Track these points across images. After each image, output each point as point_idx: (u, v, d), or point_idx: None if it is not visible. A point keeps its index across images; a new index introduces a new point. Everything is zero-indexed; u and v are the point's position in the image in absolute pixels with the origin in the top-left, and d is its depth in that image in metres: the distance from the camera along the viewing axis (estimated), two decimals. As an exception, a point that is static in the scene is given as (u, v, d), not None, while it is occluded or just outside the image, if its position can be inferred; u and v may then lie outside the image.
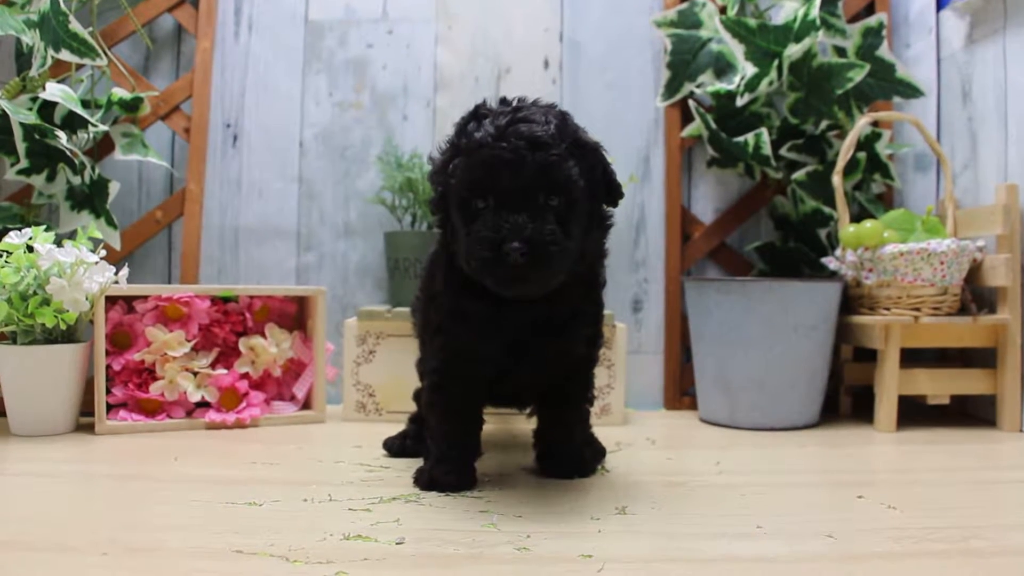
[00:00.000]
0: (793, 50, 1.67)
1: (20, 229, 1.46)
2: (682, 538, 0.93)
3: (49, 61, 1.59)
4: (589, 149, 1.06)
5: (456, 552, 0.87)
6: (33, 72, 1.59)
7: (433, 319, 1.15)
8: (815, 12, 1.63)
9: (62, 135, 1.59)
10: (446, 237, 1.11)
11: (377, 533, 0.93)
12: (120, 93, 1.72)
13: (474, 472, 1.15)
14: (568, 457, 1.21)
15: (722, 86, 1.78)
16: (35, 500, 1.07)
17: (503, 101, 1.07)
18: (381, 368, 1.66)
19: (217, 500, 1.06)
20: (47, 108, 1.63)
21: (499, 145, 0.98)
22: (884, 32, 1.77)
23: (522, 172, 0.98)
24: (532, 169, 0.98)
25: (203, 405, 1.60)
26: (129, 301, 1.60)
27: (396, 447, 1.35)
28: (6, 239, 1.44)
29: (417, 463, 1.20)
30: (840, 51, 1.78)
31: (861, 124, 1.68)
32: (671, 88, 1.86)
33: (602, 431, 1.40)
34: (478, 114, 1.05)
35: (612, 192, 1.09)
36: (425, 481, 1.12)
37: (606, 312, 1.27)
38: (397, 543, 0.89)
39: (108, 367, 1.53)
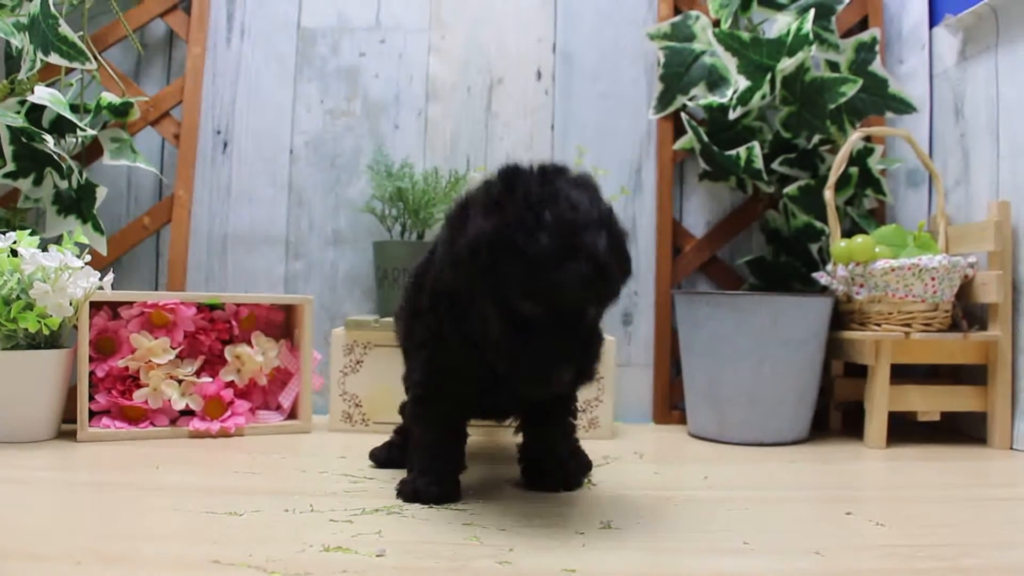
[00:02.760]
0: (786, 64, 1.67)
1: (4, 233, 1.45)
2: (668, 553, 0.92)
3: (38, 64, 1.58)
4: (622, 239, 1.02)
5: (437, 565, 0.85)
6: (22, 75, 1.58)
7: (417, 334, 1.14)
8: (808, 26, 1.63)
9: (50, 139, 1.58)
10: (457, 310, 1.05)
11: (358, 545, 0.91)
12: (109, 98, 1.70)
13: (458, 484, 1.13)
14: (554, 470, 1.19)
15: (715, 99, 1.78)
16: (11, 508, 1.05)
17: (544, 173, 0.99)
18: (368, 378, 1.65)
19: (197, 509, 1.04)
20: (35, 112, 1.62)
21: (566, 264, 0.92)
22: (877, 47, 1.77)
23: (585, 295, 0.95)
24: (594, 292, 0.95)
25: (187, 413, 1.58)
26: (114, 307, 1.58)
27: (383, 457, 1.33)
28: (-10, 243, 1.42)
29: (402, 474, 1.18)
30: (833, 66, 1.78)
31: (853, 139, 1.67)
32: (663, 101, 1.85)
33: (590, 445, 1.38)
34: (528, 201, 0.95)
35: (624, 270, 1.05)
36: (408, 493, 1.10)
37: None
38: (377, 555, 0.88)
39: (92, 373, 1.52)
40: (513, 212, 0.94)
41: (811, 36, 1.63)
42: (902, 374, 1.62)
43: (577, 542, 0.94)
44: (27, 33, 1.56)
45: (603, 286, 0.95)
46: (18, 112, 1.60)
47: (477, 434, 1.45)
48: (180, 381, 1.57)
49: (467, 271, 0.96)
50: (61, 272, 1.43)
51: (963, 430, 1.72)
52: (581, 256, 0.92)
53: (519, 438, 1.23)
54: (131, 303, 1.56)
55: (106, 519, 1.01)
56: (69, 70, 1.69)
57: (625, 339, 1.89)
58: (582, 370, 0.98)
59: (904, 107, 1.77)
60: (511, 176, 0.98)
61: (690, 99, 1.84)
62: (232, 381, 1.60)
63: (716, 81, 1.82)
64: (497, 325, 0.97)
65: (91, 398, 1.51)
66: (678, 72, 1.84)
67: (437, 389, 1.11)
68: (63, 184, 1.65)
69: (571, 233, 0.92)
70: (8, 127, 1.55)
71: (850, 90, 1.69)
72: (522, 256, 0.92)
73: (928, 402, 1.60)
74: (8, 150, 1.57)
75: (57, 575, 0.80)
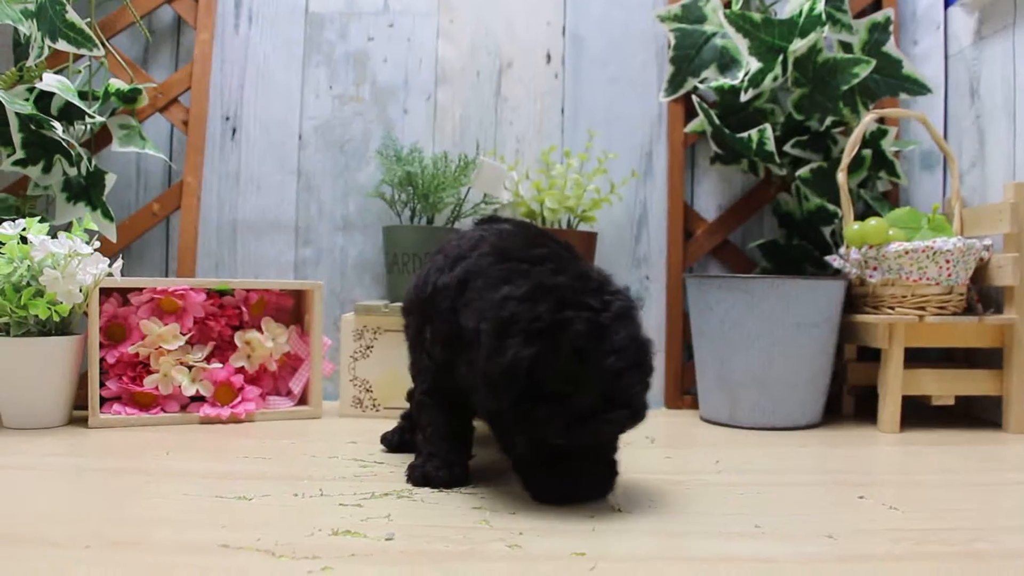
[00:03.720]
0: (798, 45, 1.65)
1: (14, 220, 1.45)
2: (678, 537, 0.91)
3: (46, 51, 1.57)
4: (649, 362, 1.00)
5: (446, 549, 0.85)
6: (30, 62, 1.57)
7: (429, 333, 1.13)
8: (821, 7, 1.61)
9: (58, 126, 1.57)
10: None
11: (367, 528, 0.91)
12: (118, 84, 1.70)
13: (467, 468, 1.13)
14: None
15: (726, 81, 1.76)
16: (22, 493, 1.06)
17: (589, 307, 0.96)
18: (378, 363, 1.65)
19: (207, 494, 1.04)
20: (44, 99, 1.62)
21: (605, 418, 0.93)
22: (891, 28, 1.75)
23: (616, 434, 0.99)
24: (625, 430, 0.98)
25: (198, 399, 1.58)
26: (124, 294, 1.58)
27: (395, 441, 1.33)
28: (-1, 229, 1.43)
29: (412, 459, 1.18)
30: (846, 47, 1.76)
31: (867, 121, 1.65)
32: (674, 83, 1.84)
33: (600, 429, 1.38)
34: (575, 342, 0.93)
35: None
36: (418, 477, 1.10)
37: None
38: (387, 539, 0.87)
39: (102, 360, 1.52)
40: (557, 354, 0.92)
41: (824, 16, 1.61)
42: (916, 358, 1.60)
43: (587, 526, 0.94)
44: (34, 20, 1.55)
45: (635, 424, 0.97)
46: (27, 99, 1.60)
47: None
48: (190, 367, 1.57)
49: (500, 396, 0.95)
50: (71, 259, 1.43)
51: (978, 414, 1.71)
52: (620, 404, 0.93)
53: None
54: (141, 289, 1.56)
55: (116, 504, 1.01)
56: (77, 57, 1.68)
57: (636, 324, 1.87)
58: (600, 491, 1.02)
59: (918, 88, 1.75)
60: (558, 305, 0.95)
61: (701, 81, 1.82)
62: (242, 367, 1.61)
63: (727, 63, 1.80)
64: (523, 447, 0.99)
65: (102, 384, 1.52)
66: (688, 54, 1.82)
67: (447, 380, 1.11)
68: (72, 171, 1.65)
69: (613, 381, 0.93)
70: (17, 114, 1.55)
71: (863, 71, 1.67)
72: (562, 403, 0.92)
73: (942, 386, 1.59)
74: (17, 137, 1.57)
75: (67, 559, 0.80)
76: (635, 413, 0.95)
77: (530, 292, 0.97)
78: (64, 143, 1.59)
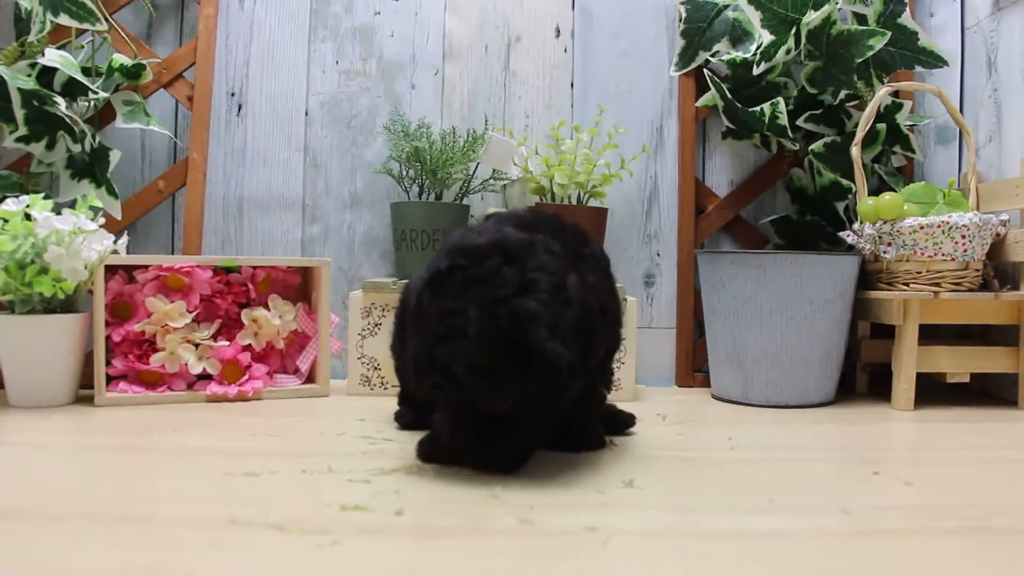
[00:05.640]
0: (811, 17, 1.62)
1: (18, 197, 1.43)
2: (690, 512, 0.90)
3: (48, 26, 1.56)
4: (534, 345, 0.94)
5: (455, 524, 0.84)
6: (32, 37, 1.56)
7: None
8: (835, -24, 1.58)
9: (61, 102, 1.56)
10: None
11: (376, 504, 0.90)
12: (121, 60, 1.68)
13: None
14: (576, 431, 1.17)
15: (738, 55, 1.73)
16: (29, 471, 1.05)
17: (465, 275, 0.95)
18: (386, 341, 1.62)
19: (214, 471, 1.03)
20: (46, 74, 1.60)
21: (415, 374, 0.97)
22: (907, -1, 1.71)
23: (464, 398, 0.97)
24: (466, 396, 0.98)
25: (205, 377, 1.57)
26: (129, 271, 1.57)
27: (408, 419, 1.32)
28: (3, 206, 1.41)
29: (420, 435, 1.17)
30: (860, 18, 1.72)
31: (881, 94, 1.63)
32: (685, 57, 1.81)
33: (611, 406, 1.36)
34: (428, 292, 0.96)
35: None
36: (426, 452, 1.09)
37: (617, 286, 1.23)
38: (396, 514, 0.86)
39: (108, 338, 1.51)
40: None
41: (838, -13, 1.58)
42: (930, 335, 1.58)
43: (599, 501, 0.92)
44: (37, -7, 1.54)
45: (452, 397, 0.95)
46: (29, 75, 1.58)
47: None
48: (197, 345, 1.56)
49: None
50: (75, 236, 1.41)
51: (993, 392, 1.69)
52: (433, 369, 0.94)
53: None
54: (147, 267, 1.55)
55: (123, 481, 1.01)
56: (80, 32, 1.67)
57: (647, 301, 1.86)
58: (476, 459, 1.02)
59: (934, 61, 1.71)
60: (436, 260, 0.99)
61: (713, 55, 1.80)
62: (249, 345, 1.59)
63: (739, 36, 1.77)
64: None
65: (108, 363, 1.51)
66: (700, 27, 1.79)
67: None
68: (76, 148, 1.63)
69: (429, 345, 0.94)
70: (19, 90, 1.53)
71: (878, 43, 1.63)
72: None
73: (957, 363, 1.57)
74: (20, 114, 1.55)
75: (73, 535, 0.79)
76: (450, 381, 0.93)
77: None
78: (67, 119, 1.58)
